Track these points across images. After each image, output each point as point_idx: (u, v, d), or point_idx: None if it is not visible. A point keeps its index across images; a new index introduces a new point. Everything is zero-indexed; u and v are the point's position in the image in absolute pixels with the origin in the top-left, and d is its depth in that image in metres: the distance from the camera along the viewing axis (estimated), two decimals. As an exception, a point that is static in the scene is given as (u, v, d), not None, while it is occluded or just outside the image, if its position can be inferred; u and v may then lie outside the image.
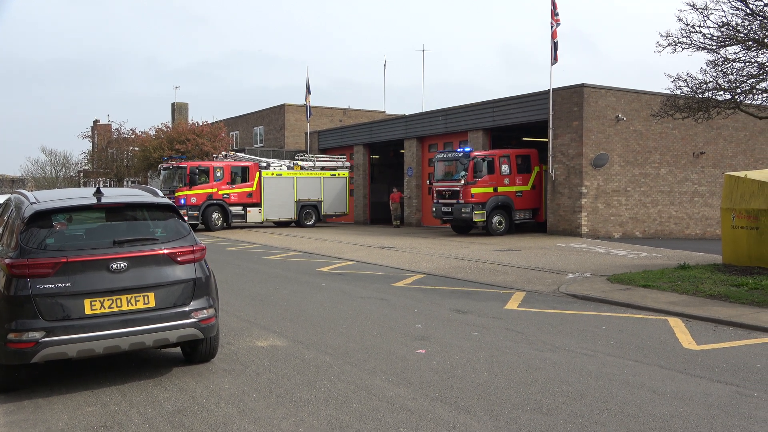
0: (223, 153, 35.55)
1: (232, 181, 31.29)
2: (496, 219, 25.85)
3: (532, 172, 26.68)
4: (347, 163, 35.72)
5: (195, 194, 30.10)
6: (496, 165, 25.78)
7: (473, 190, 25.31)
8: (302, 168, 33.69)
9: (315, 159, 35.24)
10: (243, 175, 31.87)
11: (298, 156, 36.07)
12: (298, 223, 33.34)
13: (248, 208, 31.69)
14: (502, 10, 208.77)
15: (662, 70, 52.22)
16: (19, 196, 7.77)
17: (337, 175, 34.49)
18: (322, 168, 34.41)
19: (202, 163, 31.58)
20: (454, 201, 25.78)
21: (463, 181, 25.29)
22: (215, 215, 30.65)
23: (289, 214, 33.14)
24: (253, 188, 31.90)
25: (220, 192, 30.82)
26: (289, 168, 33.33)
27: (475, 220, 25.40)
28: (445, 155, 27.03)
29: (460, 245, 22.08)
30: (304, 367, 7.45)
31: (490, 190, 25.62)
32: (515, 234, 26.31)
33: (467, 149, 26.35)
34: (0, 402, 6.41)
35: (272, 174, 32.47)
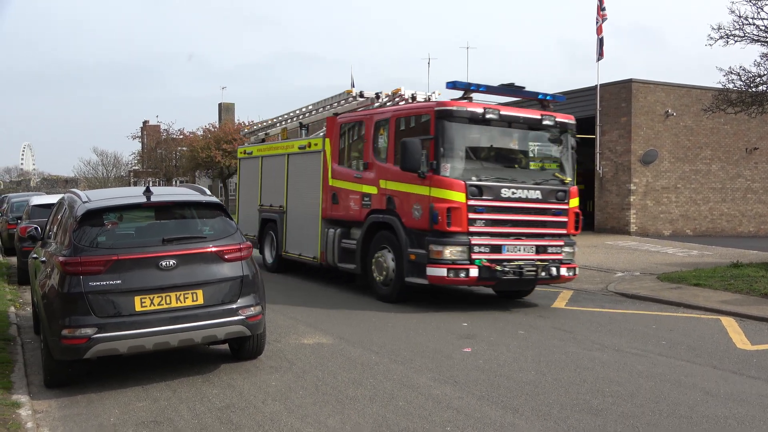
0: None
1: None
2: None
3: None
4: None
5: None
6: None
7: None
8: None
9: None
10: None
11: None
12: None
13: None
14: (560, 4, 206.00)
15: (730, 64, 50.93)
16: (72, 195, 7.93)
17: None
18: None
19: None
20: None
21: None
22: None
23: None
24: None
25: None
26: None
27: None
28: None
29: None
30: (350, 365, 7.46)
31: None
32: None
33: None
34: (54, 396, 6.57)
35: None
